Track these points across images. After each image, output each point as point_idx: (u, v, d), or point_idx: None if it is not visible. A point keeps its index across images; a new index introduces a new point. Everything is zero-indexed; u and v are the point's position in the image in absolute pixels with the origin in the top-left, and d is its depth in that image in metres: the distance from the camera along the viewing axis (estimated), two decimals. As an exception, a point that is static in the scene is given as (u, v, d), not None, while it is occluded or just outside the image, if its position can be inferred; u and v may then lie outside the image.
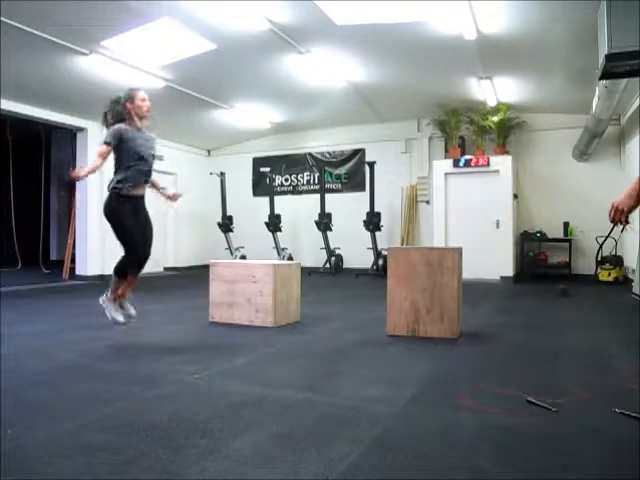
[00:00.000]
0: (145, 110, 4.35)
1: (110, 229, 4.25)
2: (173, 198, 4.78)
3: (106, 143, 4.13)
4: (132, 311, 4.33)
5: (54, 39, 6.73)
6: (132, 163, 4.20)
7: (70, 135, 10.96)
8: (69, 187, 12.50)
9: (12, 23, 6.14)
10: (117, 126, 4.22)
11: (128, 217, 4.19)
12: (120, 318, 4.22)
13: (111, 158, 4.25)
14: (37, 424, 2.53)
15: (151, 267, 10.87)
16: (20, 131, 12.20)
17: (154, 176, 4.60)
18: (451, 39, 6.95)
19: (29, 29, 6.36)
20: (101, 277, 9.91)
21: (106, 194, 4.30)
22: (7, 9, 5.84)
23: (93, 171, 4.05)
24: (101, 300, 4.28)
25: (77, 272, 10.40)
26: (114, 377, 3.44)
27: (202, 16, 6.36)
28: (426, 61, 8.10)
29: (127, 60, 7.65)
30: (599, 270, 9.36)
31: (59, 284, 9.84)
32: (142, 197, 4.37)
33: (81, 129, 10.32)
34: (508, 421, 2.56)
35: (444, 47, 7.30)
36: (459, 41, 6.95)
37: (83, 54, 7.27)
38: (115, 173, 4.24)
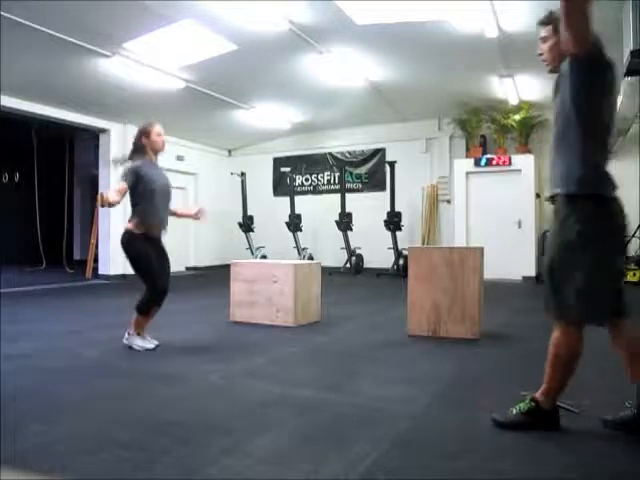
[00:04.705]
0: (160, 145, 4.32)
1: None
2: (197, 215, 4.66)
3: (124, 181, 4.09)
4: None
5: (77, 42, 6.81)
6: (149, 204, 4.17)
7: (93, 137, 11.10)
8: (92, 187, 12.65)
9: (37, 27, 6.24)
10: (133, 165, 4.19)
11: (149, 253, 4.16)
12: (149, 345, 4.21)
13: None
14: (62, 420, 2.58)
15: (172, 267, 10.96)
16: (44, 133, 12.38)
17: (176, 207, 4.57)
18: (472, 37, 6.89)
19: (52, 32, 6.45)
20: (123, 276, 10.01)
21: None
22: (32, 13, 5.94)
23: (113, 204, 3.96)
24: (125, 340, 4.25)
25: (100, 272, 10.53)
26: (136, 375, 3.48)
27: (223, 17, 6.39)
28: (446, 60, 8.04)
29: (149, 62, 7.73)
30: (624, 270, 9.19)
31: (82, 283, 9.98)
32: (159, 237, 4.34)
33: (104, 130, 10.45)
34: (530, 423, 2.53)
35: (465, 45, 7.25)
36: (480, 39, 6.89)
37: (106, 56, 7.36)
38: (133, 211, 4.21)
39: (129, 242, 4.19)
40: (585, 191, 2.32)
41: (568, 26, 2.16)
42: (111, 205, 3.91)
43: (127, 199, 4.21)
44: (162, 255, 4.32)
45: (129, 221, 4.22)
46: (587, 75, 2.30)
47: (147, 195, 4.15)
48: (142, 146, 4.26)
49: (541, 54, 2.51)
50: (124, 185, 4.09)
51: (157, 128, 4.30)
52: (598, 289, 2.29)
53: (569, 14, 2.12)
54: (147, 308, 4.20)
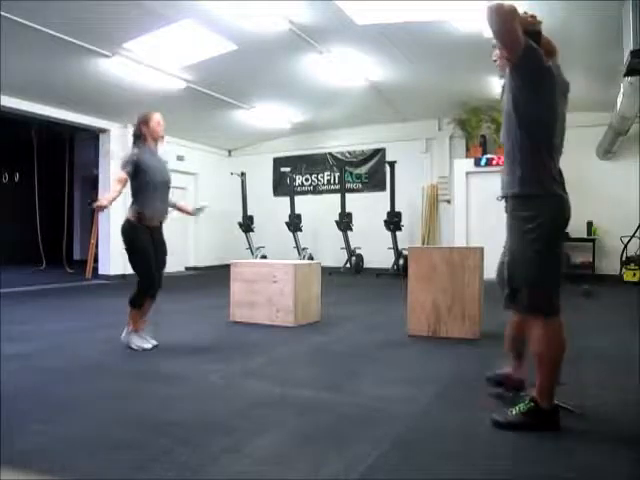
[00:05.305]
0: (160, 133, 4.34)
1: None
2: (193, 212, 4.82)
3: (124, 170, 4.12)
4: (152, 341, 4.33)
5: (77, 42, 6.80)
6: (149, 194, 4.18)
7: (93, 137, 11.09)
8: (92, 187, 12.64)
9: (37, 27, 6.23)
10: (132, 153, 4.21)
11: (146, 245, 4.16)
12: (147, 345, 4.19)
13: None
14: (62, 420, 2.58)
15: (172, 267, 10.95)
16: (44, 133, 12.38)
17: (180, 202, 4.67)
18: (471, 37, 6.87)
19: (52, 32, 6.44)
20: (123, 276, 9.99)
21: (127, 196, 4.33)
22: (32, 13, 5.94)
23: (114, 199, 4.06)
24: (123, 338, 4.22)
25: (100, 272, 10.53)
26: (136, 375, 3.48)
27: (223, 17, 6.38)
28: (446, 60, 8.03)
29: (149, 62, 7.72)
30: (624, 270, 9.18)
31: (82, 283, 9.97)
32: (160, 226, 4.36)
33: (104, 130, 10.44)
34: (530, 423, 2.53)
35: (464, 45, 7.23)
36: (480, 39, 6.86)
37: (106, 56, 7.35)
38: (133, 201, 4.23)
39: (128, 231, 4.20)
40: (528, 191, 2.48)
41: (498, 38, 2.39)
42: (104, 208, 3.99)
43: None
44: (159, 247, 4.31)
45: (129, 209, 4.23)
46: (522, 79, 2.45)
47: (146, 186, 4.17)
48: (142, 135, 4.29)
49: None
50: (124, 175, 4.12)
51: (157, 117, 4.33)
52: (548, 279, 2.57)
53: (498, 30, 2.33)
54: (139, 301, 4.19)
